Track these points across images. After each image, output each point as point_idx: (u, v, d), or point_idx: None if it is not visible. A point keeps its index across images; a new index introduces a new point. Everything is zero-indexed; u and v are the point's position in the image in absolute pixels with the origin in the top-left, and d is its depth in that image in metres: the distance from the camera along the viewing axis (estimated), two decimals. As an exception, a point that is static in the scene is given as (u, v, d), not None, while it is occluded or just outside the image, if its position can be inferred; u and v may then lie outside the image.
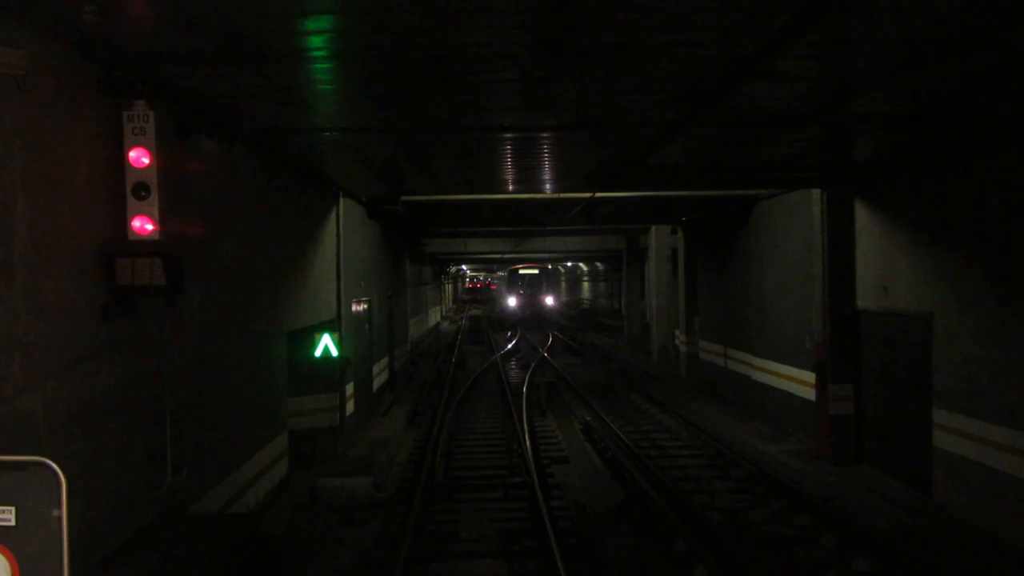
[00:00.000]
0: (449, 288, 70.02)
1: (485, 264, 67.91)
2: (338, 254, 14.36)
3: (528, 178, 13.35)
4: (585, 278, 72.77)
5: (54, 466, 3.56)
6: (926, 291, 11.40)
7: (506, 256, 43.62)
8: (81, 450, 5.67)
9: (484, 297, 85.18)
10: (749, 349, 18.21)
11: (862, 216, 13.39)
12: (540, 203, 17.46)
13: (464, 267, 77.22)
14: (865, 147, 11.04)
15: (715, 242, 20.98)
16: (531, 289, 57.03)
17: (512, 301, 58.36)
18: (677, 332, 26.00)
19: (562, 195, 15.21)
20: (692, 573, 8.70)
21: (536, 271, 57.97)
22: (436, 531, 10.19)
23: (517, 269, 57.20)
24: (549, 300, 58.35)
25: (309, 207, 12.89)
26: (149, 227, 6.14)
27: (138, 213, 6.13)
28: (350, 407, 14.67)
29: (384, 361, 20.58)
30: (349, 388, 14.65)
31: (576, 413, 18.49)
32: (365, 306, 17.11)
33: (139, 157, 6.14)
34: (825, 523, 10.15)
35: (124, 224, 6.13)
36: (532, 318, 52.55)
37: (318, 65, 6.58)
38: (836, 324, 13.69)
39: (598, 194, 14.64)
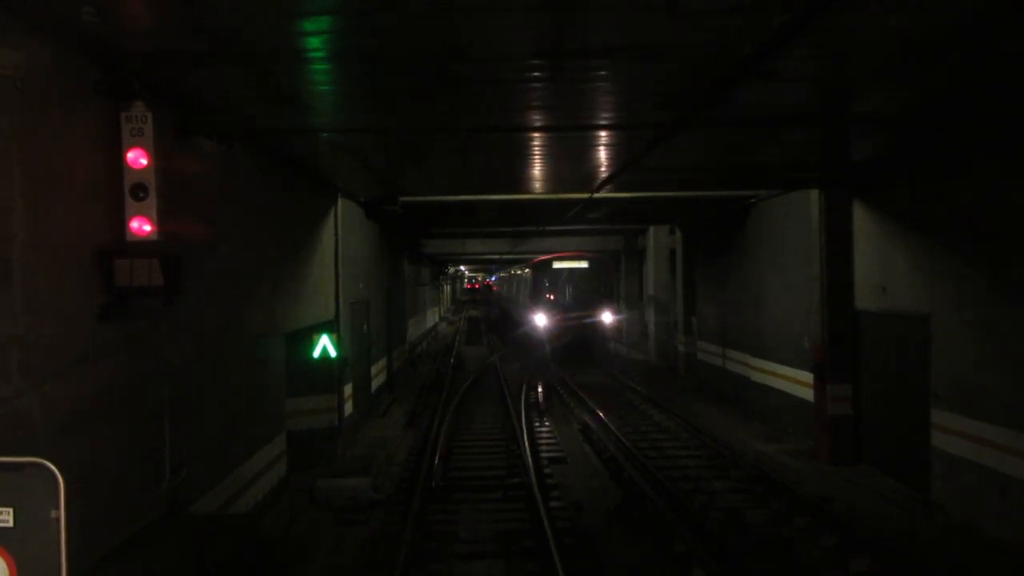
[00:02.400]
0: (447, 289, 70.00)
1: (483, 265, 67.73)
2: (336, 255, 14.36)
3: (526, 178, 13.35)
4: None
5: (52, 467, 3.55)
6: (924, 291, 11.41)
7: (505, 257, 42.66)
8: (79, 451, 5.67)
9: (483, 298, 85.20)
10: (747, 349, 18.22)
11: (860, 216, 13.40)
12: (538, 204, 17.45)
13: (462, 268, 77.30)
14: (863, 147, 11.05)
15: (713, 242, 20.99)
16: (578, 295, 29.80)
17: (541, 320, 29.56)
18: (676, 332, 26.00)
19: (560, 196, 15.21)
20: (691, 573, 8.70)
21: (585, 264, 30.76)
22: (435, 531, 10.18)
23: (550, 262, 30.79)
24: (607, 317, 29.46)
25: (308, 208, 12.89)
26: (147, 228, 6.14)
27: (136, 214, 6.13)
28: (349, 408, 14.66)
29: (383, 362, 20.58)
30: (348, 389, 14.65)
31: (574, 414, 18.49)
32: (364, 307, 17.11)
33: (137, 158, 6.13)
34: (824, 523, 10.15)
35: (122, 225, 6.12)
36: (579, 362, 27.42)
37: (316, 66, 6.58)
38: (834, 324, 13.70)
39: (596, 195, 14.64)
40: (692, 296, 23.76)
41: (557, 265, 30.61)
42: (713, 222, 20.28)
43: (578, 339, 28.53)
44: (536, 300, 30.75)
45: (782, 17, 5.27)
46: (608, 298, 30.28)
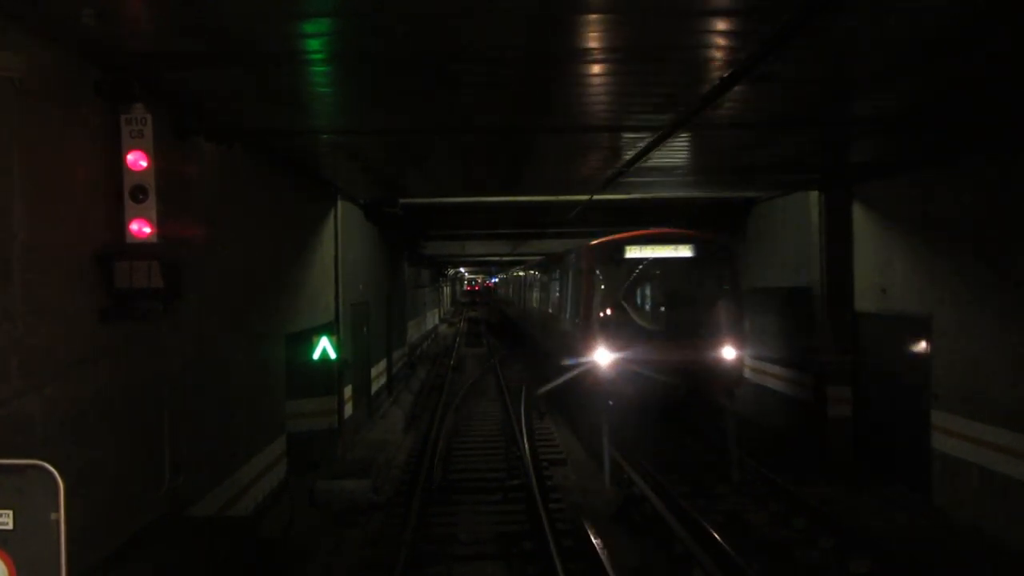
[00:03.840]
0: (447, 291, 69.98)
1: (483, 266, 67.69)
2: (336, 256, 14.35)
3: (526, 180, 13.34)
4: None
5: (52, 469, 3.55)
6: (924, 293, 11.40)
7: (505, 258, 42.38)
8: (79, 453, 5.66)
9: (482, 300, 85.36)
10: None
11: (860, 218, 13.40)
12: (538, 205, 17.46)
13: (462, 269, 77.30)
14: (863, 149, 11.05)
15: (713, 244, 20.90)
16: (675, 311, 13.38)
17: (602, 356, 12.96)
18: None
19: (560, 197, 15.22)
20: (691, 574, 8.70)
21: (689, 252, 13.61)
22: (435, 533, 10.17)
23: (619, 247, 13.83)
24: (729, 353, 13.09)
25: (308, 209, 12.88)
26: (147, 230, 6.13)
27: (136, 216, 6.12)
28: (348, 409, 14.64)
29: (382, 364, 20.56)
30: (347, 390, 14.63)
31: (575, 416, 18.45)
32: (363, 309, 17.09)
33: (137, 160, 6.12)
34: (823, 525, 10.14)
35: (122, 227, 6.11)
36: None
37: (316, 68, 6.57)
38: (834, 326, 13.69)
39: (595, 196, 14.64)
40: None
41: (633, 254, 14.30)
42: (713, 224, 20.22)
43: (680, 395, 13.78)
44: (585, 319, 14.31)
45: (782, 17, 5.27)
46: (730, 317, 13.84)
